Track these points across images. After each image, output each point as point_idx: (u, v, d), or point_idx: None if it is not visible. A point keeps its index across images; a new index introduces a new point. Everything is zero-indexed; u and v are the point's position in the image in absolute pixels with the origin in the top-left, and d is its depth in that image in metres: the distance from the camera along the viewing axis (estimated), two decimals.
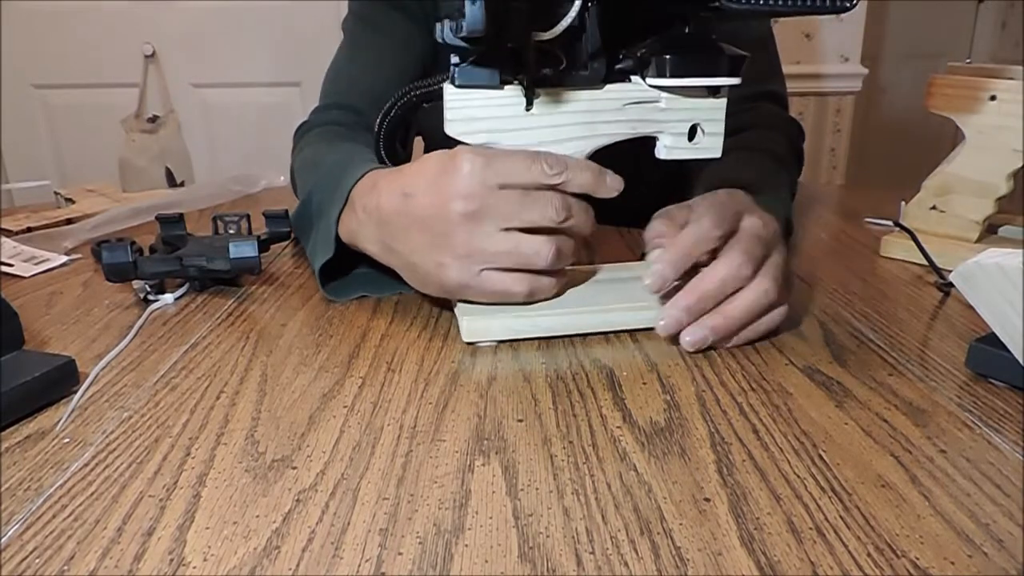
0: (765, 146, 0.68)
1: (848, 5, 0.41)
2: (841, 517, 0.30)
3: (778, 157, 0.69)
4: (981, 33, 2.65)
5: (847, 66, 1.81)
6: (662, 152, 0.50)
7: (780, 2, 0.41)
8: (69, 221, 0.81)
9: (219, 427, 0.38)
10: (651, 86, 0.48)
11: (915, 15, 2.48)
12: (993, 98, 0.63)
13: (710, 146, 0.50)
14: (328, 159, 0.62)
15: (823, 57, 1.79)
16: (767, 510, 0.31)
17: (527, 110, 0.47)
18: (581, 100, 0.47)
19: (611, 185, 0.48)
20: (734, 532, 0.30)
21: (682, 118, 0.49)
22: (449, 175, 0.45)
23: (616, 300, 0.50)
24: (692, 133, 0.49)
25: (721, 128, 0.49)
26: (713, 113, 0.49)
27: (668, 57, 0.46)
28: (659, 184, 0.82)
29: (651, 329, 0.48)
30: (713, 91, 0.48)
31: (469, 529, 0.30)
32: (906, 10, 2.43)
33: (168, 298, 0.56)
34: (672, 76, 0.47)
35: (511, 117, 0.47)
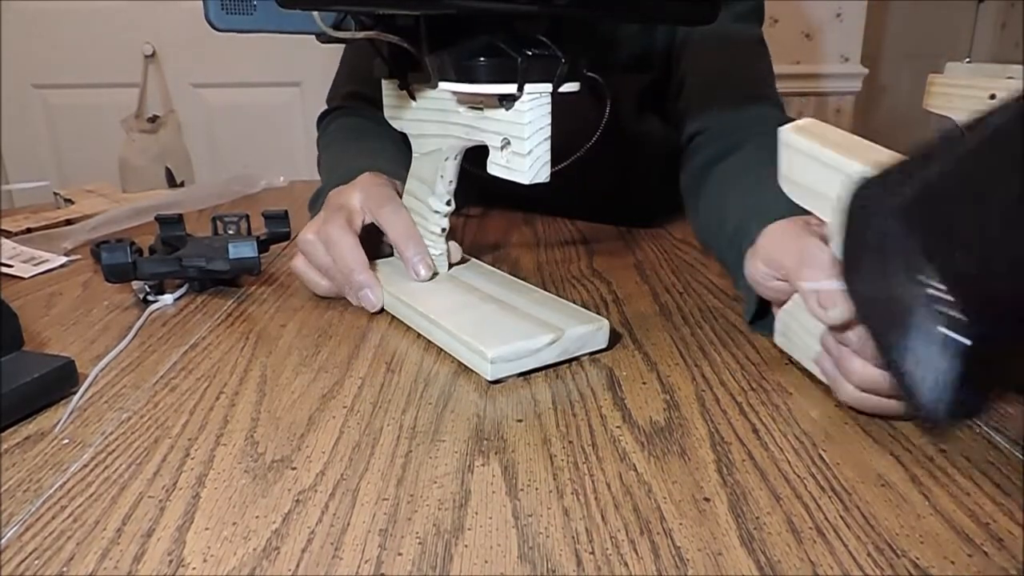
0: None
1: None
2: (841, 517, 0.30)
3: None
4: (981, 33, 2.65)
5: (847, 66, 1.81)
6: (488, 164, 0.46)
7: None
8: (69, 222, 0.81)
9: (218, 428, 0.38)
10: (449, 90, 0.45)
11: (915, 15, 2.47)
12: (993, 97, 0.63)
13: (517, 167, 0.43)
14: (347, 156, 0.72)
15: (823, 57, 1.79)
16: (767, 510, 0.31)
17: (413, 100, 0.52)
18: (432, 98, 0.50)
19: (420, 275, 0.54)
20: (734, 532, 0.30)
21: (494, 129, 0.45)
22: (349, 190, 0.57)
23: (465, 328, 0.45)
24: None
25: (526, 148, 0.42)
26: (512, 128, 0.43)
27: (441, 58, 0.44)
28: (653, 184, 0.82)
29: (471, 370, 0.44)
30: (504, 101, 0.43)
31: (469, 529, 0.30)
32: (906, 10, 2.43)
33: (167, 299, 0.56)
34: (443, 80, 0.44)
35: (404, 107, 0.53)
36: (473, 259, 0.59)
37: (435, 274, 0.54)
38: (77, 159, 1.98)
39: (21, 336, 0.42)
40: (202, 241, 0.61)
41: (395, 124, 0.55)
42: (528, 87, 0.41)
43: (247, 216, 0.68)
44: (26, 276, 0.63)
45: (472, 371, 0.44)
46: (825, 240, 0.40)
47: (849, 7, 1.76)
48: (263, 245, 0.61)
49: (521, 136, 0.42)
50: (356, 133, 0.79)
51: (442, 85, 0.45)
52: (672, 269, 0.64)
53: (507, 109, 0.43)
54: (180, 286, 0.58)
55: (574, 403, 0.40)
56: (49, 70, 1.92)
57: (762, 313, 0.49)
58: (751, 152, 0.65)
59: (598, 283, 0.61)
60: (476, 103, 0.46)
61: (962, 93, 0.64)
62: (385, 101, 0.55)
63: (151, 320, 0.53)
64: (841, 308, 0.36)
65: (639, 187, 0.83)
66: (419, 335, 0.49)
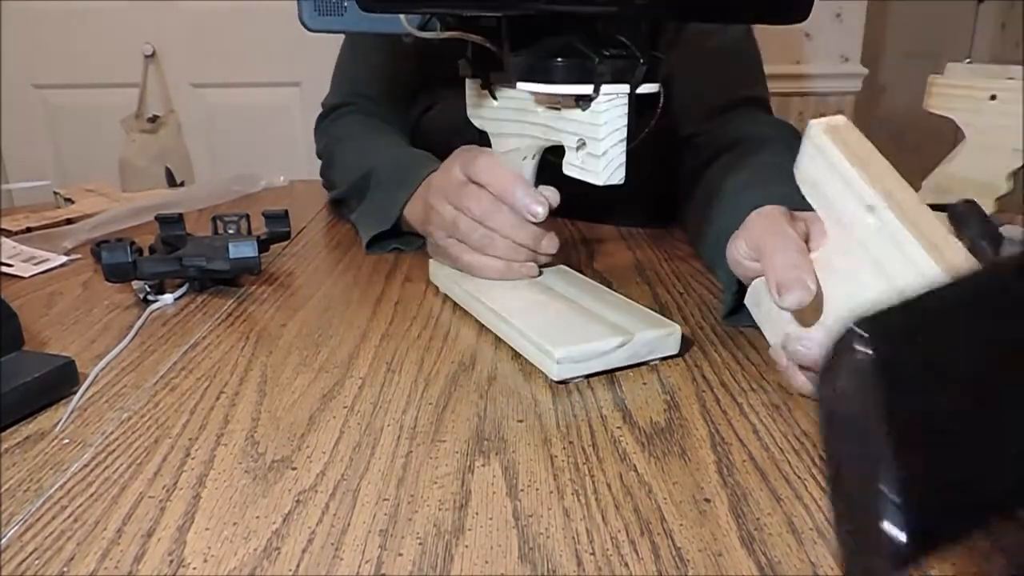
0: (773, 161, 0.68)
1: None
2: None
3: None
4: (981, 33, 2.65)
5: (847, 66, 1.81)
6: (564, 165, 0.46)
7: None
8: (69, 221, 0.81)
9: (219, 428, 0.38)
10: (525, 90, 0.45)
11: (915, 15, 2.47)
12: (993, 98, 0.63)
13: (591, 168, 0.44)
14: (387, 147, 0.75)
15: (823, 57, 1.79)
16: (767, 511, 0.31)
17: (494, 99, 0.52)
18: (513, 98, 0.50)
19: (546, 247, 0.53)
20: (734, 533, 0.30)
21: (570, 130, 0.45)
22: (447, 166, 0.56)
23: (535, 328, 0.45)
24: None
25: (601, 149, 0.42)
26: (588, 129, 0.43)
27: (520, 58, 0.44)
28: (657, 184, 0.82)
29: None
30: (580, 101, 0.43)
31: (469, 530, 0.30)
32: (906, 10, 2.43)
33: (168, 298, 0.56)
34: (521, 80, 0.44)
35: (484, 107, 0.53)
36: None
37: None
38: (77, 159, 1.97)
39: (21, 336, 0.42)
40: (202, 241, 0.61)
41: (476, 122, 0.55)
42: (605, 88, 0.41)
43: (247, 216, 0.68)
44: (26, 275, 0.63)
45: (472, 371, 0.44)
46: (805, 231, 0.41)
47: (849, 7, 1.76)
48: (263, 245, 0.61)
49: (596, 137, 0.42)
50: (377, 127, 0.82)
51: (520, 85, 0.45)
52: (672, 269, 0.64)
53: (583, 110, 0.43)
54: (180, 286, 0.57)
55: (574, 403, 0.40)
56: (49, 70, 1.92)
57: (739, 308, 0.50)
58: (736, 157, 0.67)
59: (598, 283, 0.60)
60: (554, 103, 0.46)
61: (962, 94, 0.64)
62: (468, 100, 0.55)
63: (151, 320, 0.53)
64: (795, 295, 0.37)
65: (640, 187, 0.83)
66: (419, 335, 0.49)
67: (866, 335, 0.23)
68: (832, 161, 0.36)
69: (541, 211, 0.50)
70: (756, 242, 0.42)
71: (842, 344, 0.25)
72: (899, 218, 0.33)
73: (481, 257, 0.53)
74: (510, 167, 0.52)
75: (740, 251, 0.44)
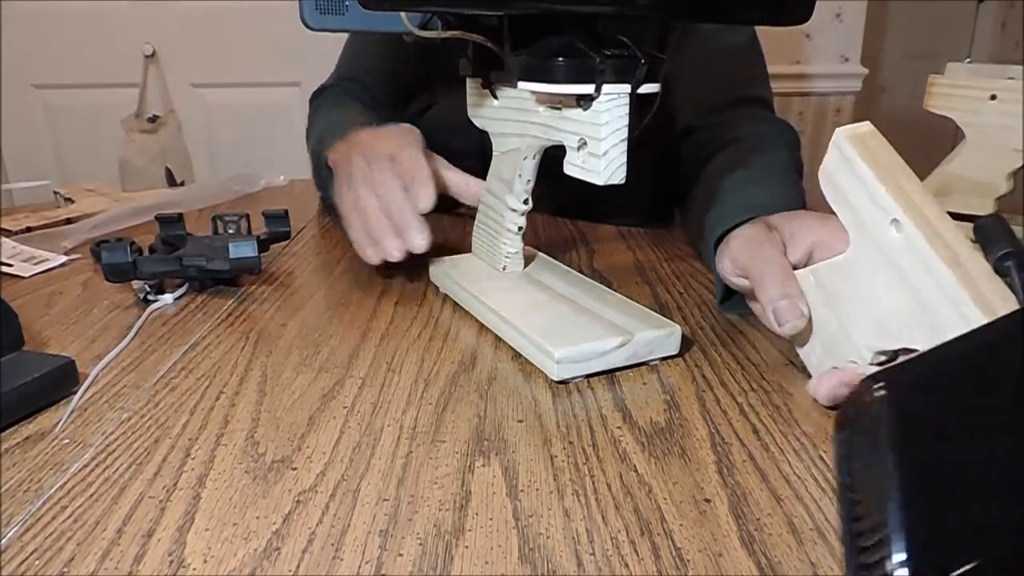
0: (773, 164, 0.67)
1: None
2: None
3: (789, 174, 0.67)
4: (981, 33, 2.65)
5: (847, 66, 1.81)
6: (565, 164, 0.46)
7: None
8: (69, 221, 0.81)
9: (219, 428, 0.38)
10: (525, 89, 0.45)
11: (915, 15, 2.47)
12: (993, 98, 0.63)
13: (592, 168, 0.43)
14: (337, 117, 0.76)
15: (823, 57, 1.79)
16: (768, 511, 0.31)
17: (495, 98, 0.52)
18: (514, 97, 0.50)
19: (413, 238, 0.52)
20: (735, 533, 0.30)
21: (571, 129, 0.45)
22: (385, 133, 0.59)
23: (535, 328, 0.45)
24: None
25: (601, 149, 0.42)
26: (589, 129, 0.43)
27: (521, 57, 0.44)
28: (657, 184, 0.82)
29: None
30: (581, 101, 0.43)
31: (469, 530, 0.30)
32: (906, 10, 2.43)
33: (168, 298, 0.56)
34: (522, 80, 0.44)
35: (485, 106, 0.53)
36: (547, 257, 0.59)
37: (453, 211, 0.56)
38: (77, 159, 1.97)
39: (21, 336, 0.42)
40: (202, 240, 0.61)
41: (477, 122, 0.55)
42: (606, 88, 0.41)
43: (247, 215, 0.68)
44: (26, 275, 0.63)
45: (472, 371, 0.44)
46: (782, 242, 0.45)
47: (849, 7, 1.76)
48: (263, 244, 0.61)
49: (597, 137, 0.42)
50: (347, 105, 0.83)
51: (521, 84, 0.44)
52: (672, 269, 0.64)
53: (584, 109, 0.43)
54: (180, 286, 0.57)
55: (574, 403, 0.40)
56: (49, 70, 1.92)
57: (731, 294, 0.52)
58: (732, 155, 0.67)
59: (598, 283, 0.60)
60: (555, 103, 0.46)
61: (962, 94, 0.64)
62: (468, 99, 0.55)
63: (151, 320, 0.52)
64: (792, 323, 0.41)
65: (640, 187, 0.83)
66: (419, 335, 0.49)
67: (882, 387, 0.24)
68: (857, 171, 0.36)
69: (428, 203, 0.52)
70: (741, 263, 0.45)
71: (860, 396, 0.25)
72: (923, 234, 0.33)
73: (355, 216, 0.55)
74: (424, 158, 0.54)
75: (726, 269, 0.47)
